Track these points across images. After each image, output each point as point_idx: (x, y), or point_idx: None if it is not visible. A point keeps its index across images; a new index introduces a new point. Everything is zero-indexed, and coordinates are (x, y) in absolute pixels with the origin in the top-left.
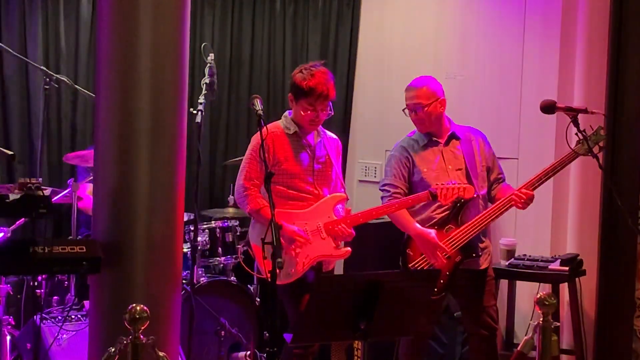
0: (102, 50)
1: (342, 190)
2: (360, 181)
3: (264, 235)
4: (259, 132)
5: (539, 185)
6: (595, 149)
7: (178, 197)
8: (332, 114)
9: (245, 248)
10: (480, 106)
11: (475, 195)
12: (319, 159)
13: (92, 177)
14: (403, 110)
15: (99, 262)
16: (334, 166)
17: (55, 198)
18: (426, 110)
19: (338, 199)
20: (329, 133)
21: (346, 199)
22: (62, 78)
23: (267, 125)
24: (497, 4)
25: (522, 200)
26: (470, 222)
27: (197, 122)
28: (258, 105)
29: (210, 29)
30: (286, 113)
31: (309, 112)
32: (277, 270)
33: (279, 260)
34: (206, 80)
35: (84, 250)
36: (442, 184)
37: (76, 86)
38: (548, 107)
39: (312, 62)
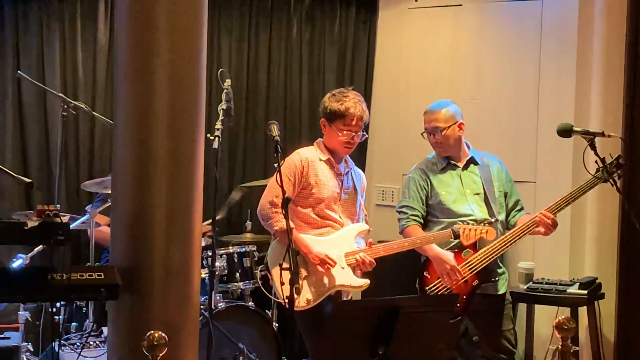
0: (119, 77)
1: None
2: (377, 205)
3: (282, 260)
4: (292, 155)
5: (557, 212)
6: (614, 176)
7: (196, 223)
8: (367, 136)
9: (263, 272)
10: (497, 130)
11: (493, 221)
12: (346, 189)
13: (108, 204)
14: (422, 133)
15: (117, 288)
16: (359, 199)
17: (73, 225)
18: (444, 133)
19: (360, 230)
20: (356, 168)
21: (368, 231)
22: (80, 105)
23: (300, 150)
24: (513, 27)
25: (545, 224)
26: (488, 247)
27: (215, 148)
28: (275, 130)
29: (227, 54)
30: (318, 140)
31: (344, 133)
32: (295, 295)
33: (297, 285)
34: (223, 106)
35: (102, 277)
36: (465, 224)
37: (94, 113)
38: (564, 131)
39: (340, 89)
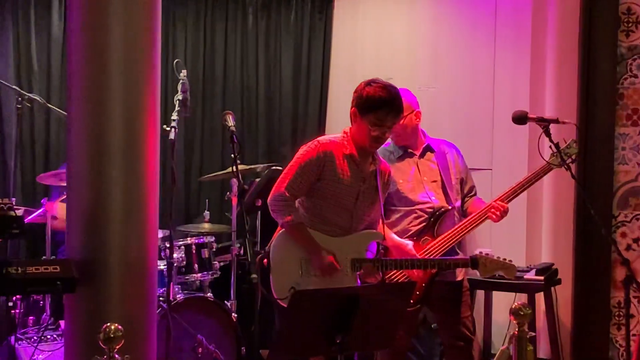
0: (73, 68)
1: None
2: None
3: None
4: (312, 144)
5: (514, 197)
6: (568, 161)
7: (153, 214)
8: None
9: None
10: (453, 118)
11: (450, 207)
12: (366, 191)
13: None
14: None
15: (73, 281)
16: (380, 201)
17: (29, 218)
18: (402, 122)
19: (374, 236)
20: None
21: (383, 239)
22: (35, 97)
23: (323, 138)
24: (468, 17)
25: (498, 214)
26: (446, 234)
27: (171, 139)
28: (230, 121)
29: (182, 45)
30: (346, 129)
31: (376, 127)
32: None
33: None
34: (179, 96)
35: (58, 270)
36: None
37: (49, 105)
38: (520, 118)
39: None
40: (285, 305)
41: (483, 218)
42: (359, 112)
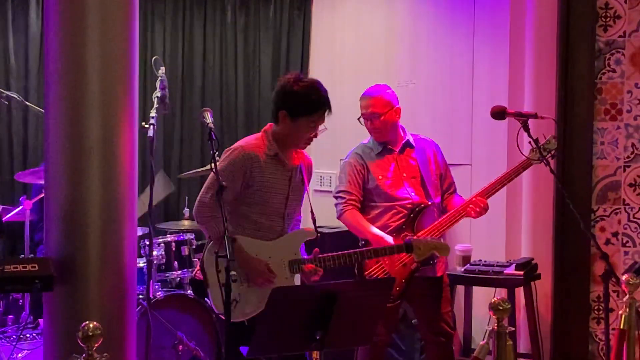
0: (51, 66)
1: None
2: (315, 191)
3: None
4: (236, 150)
5: (494, 193)
6: (547, 156)
7: (131, 211)
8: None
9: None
10: (432, 113)
11: (430, 203)
12: (295, 188)
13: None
14: (358, 119)
15: (51, 280)
16: (305, 192)
17: (7, 216)
18: (382, 119)
19: (307, 235)
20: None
21: (315, 235)
22: (12, 95)
23: (246, 143)
24: (446, 12)
25: (477, 210)
26: (425, 230)
27: (150, 136)
28: (209, 118)
29: (161, 42)
30: (267, 129)
31: (311, 129)
32: (232, 306)
33: (233, 273)
34: (158, 93)
35: (36, 268)
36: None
37: (27, 103)
38: (498, 113)
39: (293, 73)
40: (232, 321)
41: (462, 214)
42: (290, 115)
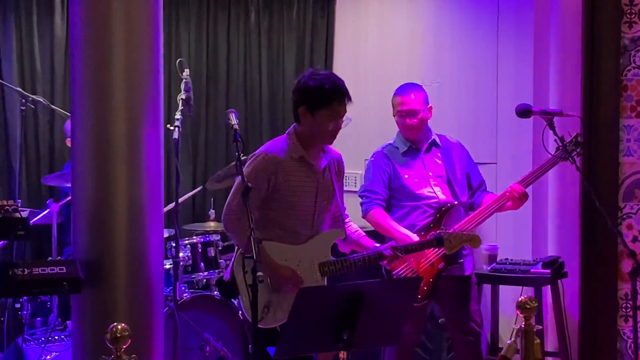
0: (77, 70)
1: (345, 218)
2: None
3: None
4: (259, 156)
5: (528, 185)
6: (573, 154)
7: (157, 213)
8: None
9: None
10: (457, 112)
11: (456, 203)
12: (323, 189)
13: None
14: (394, 115)
15: (79, 282)
16: (336, 194)
17: (35, 219)
18: (420, 116)
19: (336, 235)
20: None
21: (344, 236)
22: (39, 99)
23: (269, 148)
24: (470, 10)
25: (515, 196)
26: (453, 229)
27: (175, 138)
28: (233, 119)
29: (185, 44)
30: (291, 131)
31: (333, 120)
32: (264, 313)
33: (260, 273)
34: (182, 96)
35: (64, 270)
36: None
37: (53, 106)
38: (523, 112)
39: (309, 70)
40: (264, 327)
41: (496, 207)
42: (309, 109)
